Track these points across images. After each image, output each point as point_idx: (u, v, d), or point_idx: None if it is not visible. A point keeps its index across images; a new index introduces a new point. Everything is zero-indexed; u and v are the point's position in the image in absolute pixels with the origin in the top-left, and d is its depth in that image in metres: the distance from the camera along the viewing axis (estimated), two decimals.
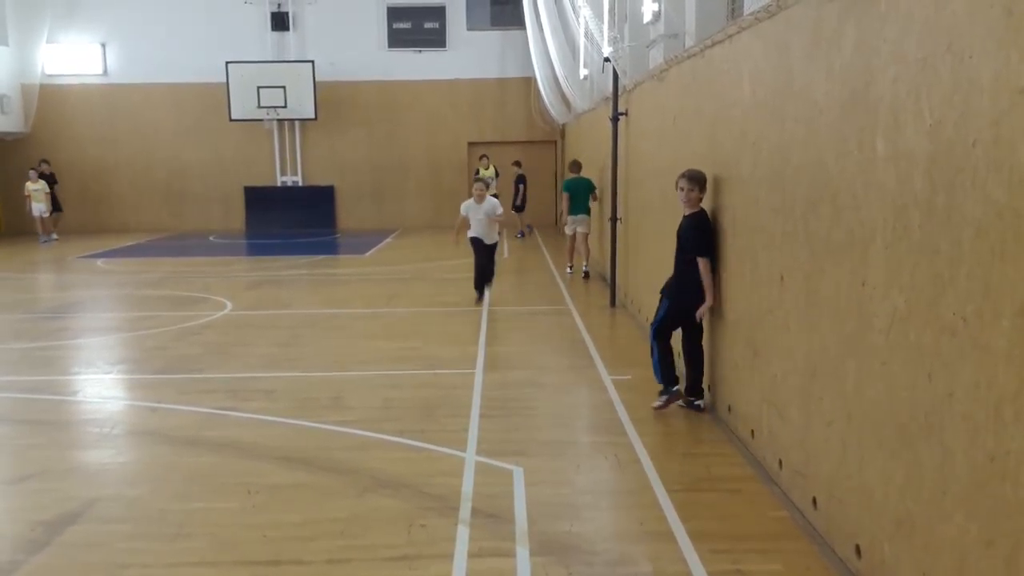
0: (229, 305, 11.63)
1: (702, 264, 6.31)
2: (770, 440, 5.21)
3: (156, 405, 6.94)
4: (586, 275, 13.84)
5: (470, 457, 5.54)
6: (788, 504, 4.75)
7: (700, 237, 6.34)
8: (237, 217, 24.09)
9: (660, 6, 9.63)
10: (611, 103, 10.97)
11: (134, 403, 7.18)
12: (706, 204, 6.57)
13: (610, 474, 5.39)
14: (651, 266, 8.94)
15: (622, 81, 10.55)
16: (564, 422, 6.59)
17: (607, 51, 10.70)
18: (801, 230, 4.65)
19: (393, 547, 4.28)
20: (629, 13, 11.11)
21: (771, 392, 5.20)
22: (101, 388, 7.78)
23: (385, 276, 14.56)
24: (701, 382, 6.66)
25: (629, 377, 7.64)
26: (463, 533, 4.40)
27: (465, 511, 4.67)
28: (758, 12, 5.41)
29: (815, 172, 4.46)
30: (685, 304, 6.49)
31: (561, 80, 17.63)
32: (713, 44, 6.52)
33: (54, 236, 21.80)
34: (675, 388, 6.60)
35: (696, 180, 6.39)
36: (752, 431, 5.56)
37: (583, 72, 16.26)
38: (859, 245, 3.89)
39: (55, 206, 22.07)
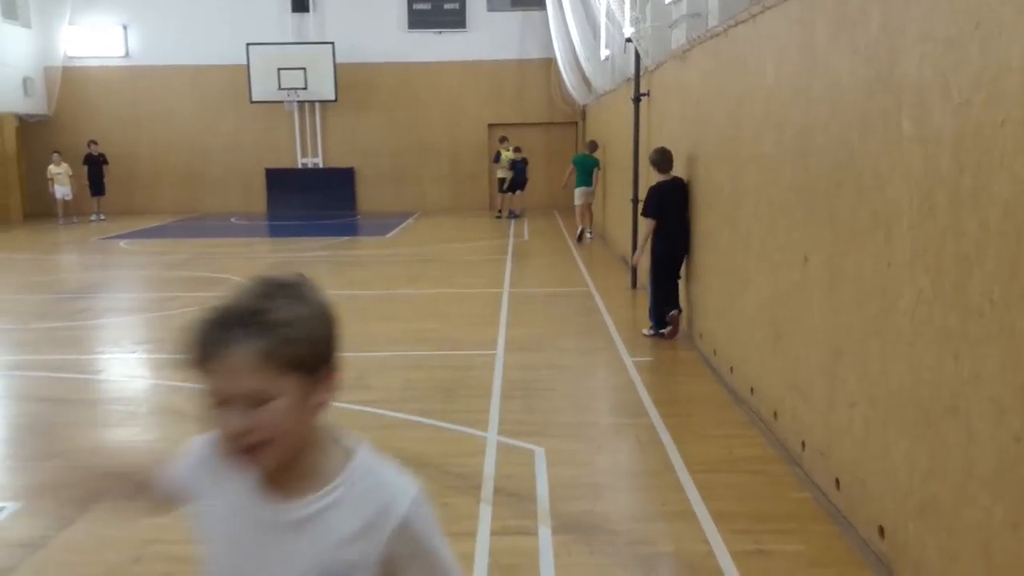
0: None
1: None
2: (793, 421, 5.21)
3: (181, 385, 7.01)
4: (589, 237, 16.29)
5: (492, 437, 5.58)
6: (810, 485, 4.75)
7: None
8: (258, 199, 24.19)
9: None
10: (632, 84, 10.92)
11: (159, 383, 7.25)
12: (729, 184, 6.56)
13: (631, 455, 5.40)
14: None
15: (644, 62, 10.49)
16: (585, 403, 6.61)
17: (629, 31, 10.64)
18: (825, 211, 4.63)
19: None
20: None
21: (794, 373, 5.19)
22: (126, 368, 7.87)
23: (405, 258, 14.61)
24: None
25: (651, 359, 7.65)
26: (486, 511, 4.44)
27: (487, 490, 4.70)
28: None
29: (839, 153, 4.43)
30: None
31: (582, 61, 17.54)
32: (736, 24, 6.48)
33: (102, 216, 22.21)
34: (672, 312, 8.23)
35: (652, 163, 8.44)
36: (775, 412, 5.55)
37: (604, 53, 16.17)
38: (884, 226, 3.87)
39: (100, 189, 22.30)
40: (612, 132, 15.08)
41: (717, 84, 7.21)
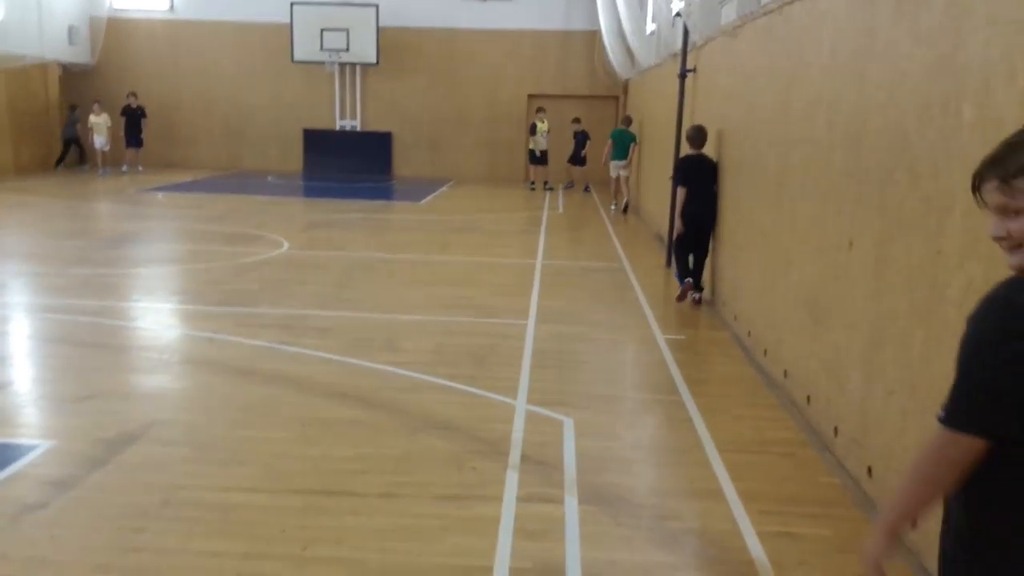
0: (285, 244, 11.75)
1: None
2: (827, 407, 5.15)
3: (213, 336, 7.07)
4: (625, 209, 16.76)
5: (520, 405, 5.57)
6: (841, 472, 4.69)
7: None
8: (295, 159, 24.25)
9: None
10: (679, 59, 10.77)
11: (191, 333, 7.31)
12: (776, 164, 6.48)
13: (660, 431, 5.38)
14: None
15: (692, 37, 10.34)
16: (616, 378, 6.58)
17: (678, 5, 10.47)
18: (875, 195, 4.54)
19: (444, 486, 4.33)
20: None
21: (831, 358, 5.12)
22: (159, 317, 7.94)
23: (439, 225, 14.59)
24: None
25: (683, 337, 7.60)
26: (512, 478, 4.43)
27: (515, 456, 4.70)
28: None
29: (894, 137, 4.33)
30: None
31: (627, 34, 17.33)
32: (792, 1, 6.34)
33: (139, 168, 22.36)
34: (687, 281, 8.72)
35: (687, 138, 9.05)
36: (808, 397, 5.49)
37: (650, 26, 15.96)
38: (936, 213, 3.78)
39: (137, 141, 22.45)
40: (654, 107, 14.92)
41: (768, 62, 7.08)
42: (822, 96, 5.56)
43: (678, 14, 10.47)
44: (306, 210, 16.66)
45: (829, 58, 5.47)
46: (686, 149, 9.19)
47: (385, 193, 20.43)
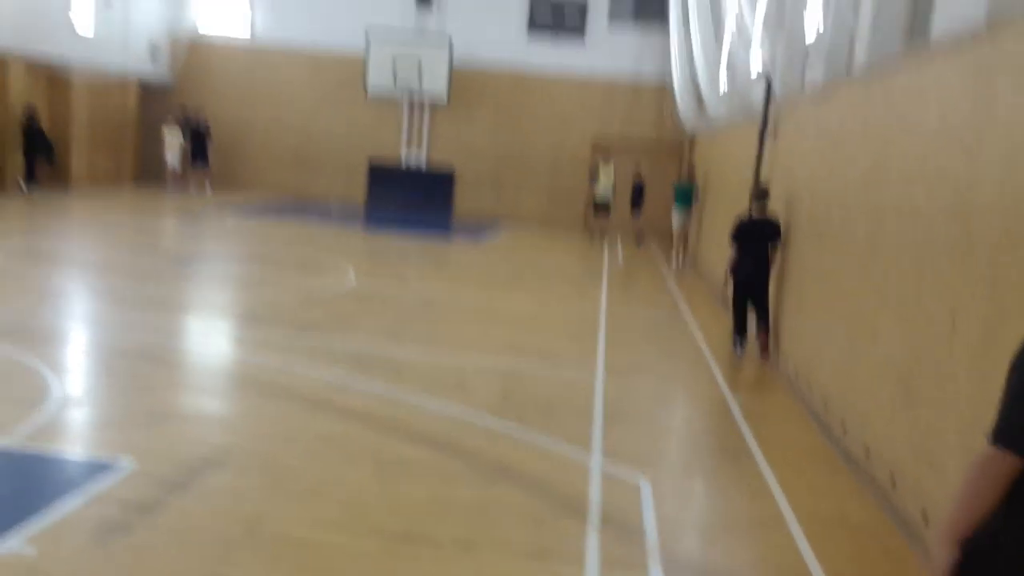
0: (352, 275, 11.82)
1: None
2: (914, 489, 4.96)
3: (286, 365, 7.07)
4: (681, 263, 16.73)
5: (595, 461, 5.45)
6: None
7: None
8: (358, 188, 24.50)
9: (825, 20, 9.30)
10: (759, 117, 10.69)
11: (264, 359, 7.32)
12: (865, 230, 6.36)
13: (740, 500, 5.22)
14: (798, 290, 8.71)
15: (774, 96, 10.26)
16: (687, 437, 6.45)
17: (760, 64, 10.42)
18: (984, 272, 4.39)
19: (524, 543, 4.23)
20: (788, 23, 10.78)
21: (923, 439, 4.94)
22: (230, 339, 7.99)
23: (501, 265, 14.60)
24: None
25: (753, 398, 7.44)
26: (593, 539, 4.32)
27: (594, 517, 4.58)
28: (957, 37, 5.13)
29: (1009, 214, 4.19)
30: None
31: (702, 87, 17.32)
32: (893, 67, 6.24)
33: (208, 187, 22.81)
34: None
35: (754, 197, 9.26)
36: (893, 477, 5.30)
37: (726, 81, 15.92)
38: None
39: (203, 160, 22.84)
40: (723, 164, 14.82)
41: (861, 126, 6.96)
42: (925, 164, 5.44)
43: (760, 72, 10.41)
44: (370, 242, 16.81)
45: (937, 125, 5.35)
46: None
47: (447, 229, 20.55)
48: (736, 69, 13.74)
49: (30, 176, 18.10)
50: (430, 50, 23.38)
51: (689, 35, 18.18)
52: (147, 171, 23.84)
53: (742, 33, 12.48)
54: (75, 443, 5.11)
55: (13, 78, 18.55)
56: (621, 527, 4.52)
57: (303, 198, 23.86)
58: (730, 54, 14.39)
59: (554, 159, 24.22)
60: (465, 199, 24.41)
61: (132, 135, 23.80)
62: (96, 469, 4.60)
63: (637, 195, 20.80)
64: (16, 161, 18.33)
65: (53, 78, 20.07)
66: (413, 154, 24.60)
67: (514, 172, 24.35)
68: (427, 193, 24.15)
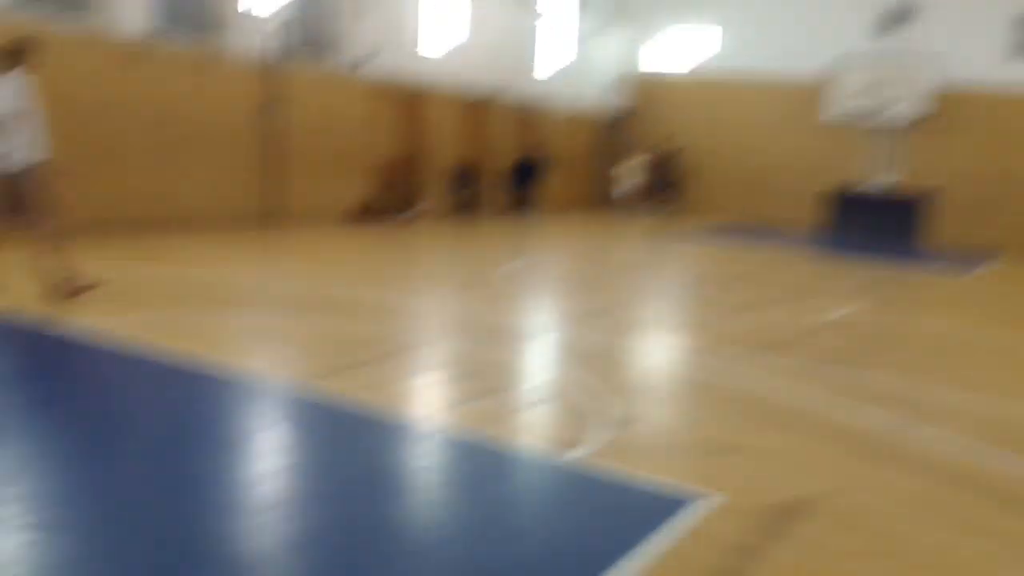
0: (833, 304, 10.79)
1: None
2: None
3: (820, 399, 6.29)
4: None
5: None
6: None
7: None
8: (815, 214, 23.10)
9: None
10: None
11: (797, 392, 6.58)
12: None
13: None
14: None
15: None
16: None
17: None
18: None
19: None
20: None
21: None
22: (755, 368, 7.36)
23: (1012, 298, 12.52)
24: None
25: None
26: None
27: None
28: None
29: None
30: None
31: None
32: None
33: (665, 210, 23.26)
34: None
35: None
36: None
37: None
38: None
39: (661, 185, 23.34)
40: None
41: None
42: None
43: None
44: (824, 273, 15.39)
45: None
46: None
47: (921, 257, 18.43)
48: None
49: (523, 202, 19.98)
50: (902, 71, 21.44)
51: None
52: (601, 196, 24.82)
53: None
54: (647, 470, 4.67)
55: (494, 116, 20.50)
56: None
57: (755, 222, 23.18)
58: None
59: None
60: (943, 228, 21.86)
61: (593, 163, 25.08)
62: (675, 503, 4.15)
63: None
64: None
65: (525, 116, 21.77)
66: (881, 180, 22.67)
67: (997, 197, 21.37)
68: (894, 220, 22.02)
